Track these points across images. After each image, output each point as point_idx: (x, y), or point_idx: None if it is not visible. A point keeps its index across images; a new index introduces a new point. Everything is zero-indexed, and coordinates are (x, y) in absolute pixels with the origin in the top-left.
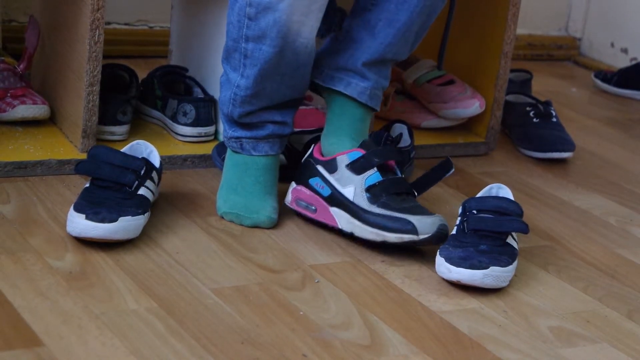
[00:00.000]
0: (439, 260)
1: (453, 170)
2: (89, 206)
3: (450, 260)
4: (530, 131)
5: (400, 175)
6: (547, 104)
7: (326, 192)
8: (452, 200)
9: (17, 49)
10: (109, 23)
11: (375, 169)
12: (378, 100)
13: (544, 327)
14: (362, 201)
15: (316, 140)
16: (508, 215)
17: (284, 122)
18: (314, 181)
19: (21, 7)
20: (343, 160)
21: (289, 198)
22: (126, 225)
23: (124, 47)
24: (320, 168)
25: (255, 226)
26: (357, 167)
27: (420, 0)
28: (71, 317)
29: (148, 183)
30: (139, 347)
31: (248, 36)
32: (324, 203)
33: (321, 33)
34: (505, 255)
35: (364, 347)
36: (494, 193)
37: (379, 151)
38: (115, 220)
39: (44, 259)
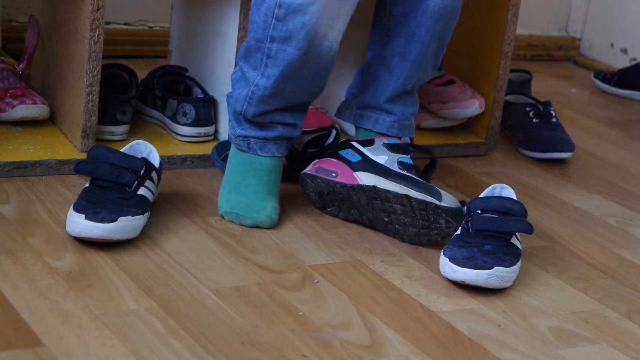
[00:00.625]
0: (443, 260)
1: (436, 170)
2: (89, 206)
3: (454, 260)
4: (530, 131)
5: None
6: (547, 104)
7: (356, 158)
8: None
9: (17, 49)
10: (108, 23)
11: (409, 156)
12: (410, 128)
13: (543, 328)
14: (394, 166)
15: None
16: (512, 216)
17: (294, 125)
18: (345, 152)
19: (21, 7)
20: (381, 141)
21: (309, 168)
22: (126, 225)
23: (124, 47)
24: (355, 143)
25: (255, 226)
26: (395, 148)
27: (429, 31)
28: (71, 317)
29: (148, 183)
30: (139, 347)
31: (274, 37)
32: (348, 168)
33: None
34: (509, 255)
35: (364, 347)
36: (497, 193)
37: (414, 144)
38: (114, 220)
39: (44, 259)
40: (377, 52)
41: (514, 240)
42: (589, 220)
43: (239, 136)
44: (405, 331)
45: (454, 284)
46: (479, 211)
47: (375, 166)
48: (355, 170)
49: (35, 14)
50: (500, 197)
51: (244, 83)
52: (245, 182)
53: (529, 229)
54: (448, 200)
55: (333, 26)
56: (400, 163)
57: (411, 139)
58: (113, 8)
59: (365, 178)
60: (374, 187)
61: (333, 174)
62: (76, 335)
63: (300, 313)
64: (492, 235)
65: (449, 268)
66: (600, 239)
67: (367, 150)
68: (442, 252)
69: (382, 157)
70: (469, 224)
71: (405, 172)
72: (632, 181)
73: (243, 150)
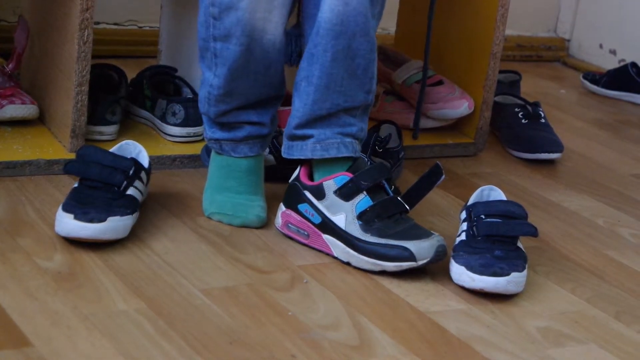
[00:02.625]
0: (459, 269)
1: (444, 177)
2: (78, 206)
3: (471, 268)
4: (518, 132)
5: (391, 193)
6: (536, 105)
7: (316, 219)
8: (441, 201)
9: (6, 48)
10: (98, 23)
11: (364, 193)
12: (340, 146)
13: (532, 328)
14: (355, 229)
15: (303, 160)
16: (516, 219)
17: (261, 123)
18: (303, 207)
19: (10, 7)
20: (330, 186)
21: (278, 221)
22: (115, 226)
23: (113, 47)
24: (307, 194)
25: (245, 226)
26: (345, 192)
27: (327, 51)
28: (60, 318)
29: (137, 183)
30: (128, 347)
31: (215, 36)
32: (316, 230)
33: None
34: (520, 259)
35: (353, 347)
36: (485, 195)
37: (366, 173)
38: (103, 220)
39: (33, 260)
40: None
41: (519, 244)
42: (577, 221)
43: (210, 139)
44: (394, 331)
45: (442, 285)
46: (483, 216)
47: (339, 233)
48: (322, 232)
49: (25, 14)
50: (501, 201)
51: (203, 84)
52: (227, 185)
53: (534, 232)
54: (423, 252)
55: (269, 19)
56: (360, 217)
57: (370, 157)
58: (102, 8)
59: (336, 249)
60: (349, 264)
61: (305, 233)
62: (65, 336)
63: (290, 313)
64: (500, 240)
65: (467, 277)
66: (589, 240)
67: (323, 208)
68: (452, 260)
69: (340, 217)
70: (475, 229)
71: (371, 239)
72: (621, 182)
73: (219, 153)
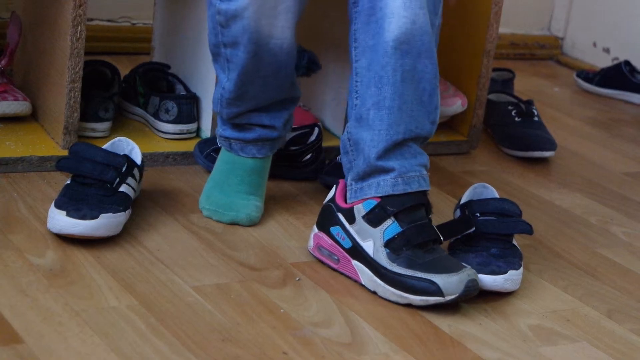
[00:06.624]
0: None
1: (473, 229)
2: (70, 203)
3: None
4: (512, 130)
5: (426, 217)
6: (529, 103)
7: (347, 244)
8: (434, 199)
9: None
10: (91, 19)
11: (392, 218)
12: (419, 180)
13: (524, 326)
14: (382, 258)
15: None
16: (511, 217)
17: (272, 126)
18: (335, 230)
19: (3, 3)
20: (359, 211)
21: (311, 243)
22: (107, 222)
23: (106, 44)
24: (340, 217)
25: (234, 223)
26: (372, 218)
27: (396, 71)
28: (51, 315)
29: (129, 180)
30: (119, 344)
31: (225, 43)
32: (346, 255)
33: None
34: (516, 257)
35: (345, 345)
36: (478, 192)
37: (396, 197)
38: (96, 217)
39: (25, 256)
40: (353, 119)
41: (514, 241)
42: (570, 219)
43: (220, 136)
44: (386, 329)
45: None
46: (478, 214)
47: (367, 260)
48: (352, 257)
49: (17, 10)
50: (496, 199)
51: (218, 85)
52: (228, 181)
53: (529, 230)
54: (451, 287)
55: (274, 24)
56: (387, 244)
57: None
58: (95, 4)
59: (364, 276)
60: (375, 293)
61: (335, 258)
62: (56, 332)
63: (282, 311)
64: (495, 237)
65: None
66: (581, 238)
67: (354, 232)
68: None
69: (368, 243)
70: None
71: (398, 269)
72: (613, 180)
73: (227, 150)
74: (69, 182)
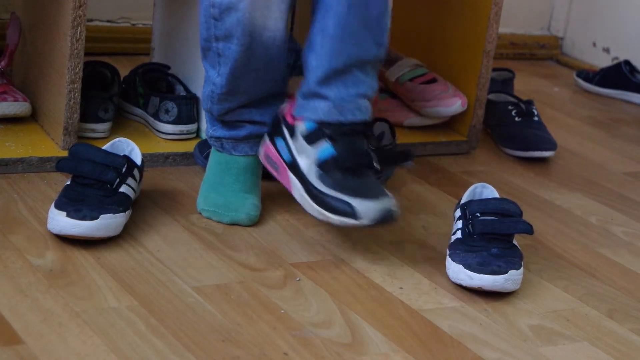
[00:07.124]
0: (456, 267)
1: (411, 162)
2: (70, 203)
3: (469, 267)
4: (512, 130)
5: (365, 145)
6: (529, 103)
7: (286, 156)
8: (434, 199)
9: None
10: (91, 20)
11: (328, 141)
12: (355, 110)
13: (524, 326)
14: (313, 177)
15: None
16: (511, 217)
17: (263, 122)
18: (279, 141)
19: (2, 4)
20: (300, 128)
21: (261, 151)
22: (107, 223)
23: (106, 45)
24: (284, 130)
25: (234, 223)
26: (311, 137)
27: (342, 1)
28: (51, 315)
29: (129, 181)
30: (120, 345)
31: (217, 36)
32: (285, 166)
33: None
34: (516, 257)
35: (345, 345)
36: (478, 192)
37: (330, 124)
38: (96, 217)
39: (25, 257)
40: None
41: (514, 241)
42: (570, 219)
43: (211, 137)
44: (386, 329)
45: (435, 283)
46: (478, 214)
47: (300, 175)
48: (289, 169)
49: (17, 11)
50: (496, 199)
51: (207, 82)
52: (223, 181)
53: (530, 230)
54: (367, 212)
55: (269, 16)
56: (321, 166)
57: (371, 120)
58: (95, 5)
59: (295, 190)
60: (302, 205)
61: (277, 167)
62: (56, 333)
63: (282, 311)
64: (496, 237)
65: (464, 275)
66: (581, 238)
67: (293, 147)
68: (449, 258)
69: (304, 161)
70: (470, 227)
71: (324, 188)
72: (614, 180)
73: (219, 150)
74: (68, 182)
